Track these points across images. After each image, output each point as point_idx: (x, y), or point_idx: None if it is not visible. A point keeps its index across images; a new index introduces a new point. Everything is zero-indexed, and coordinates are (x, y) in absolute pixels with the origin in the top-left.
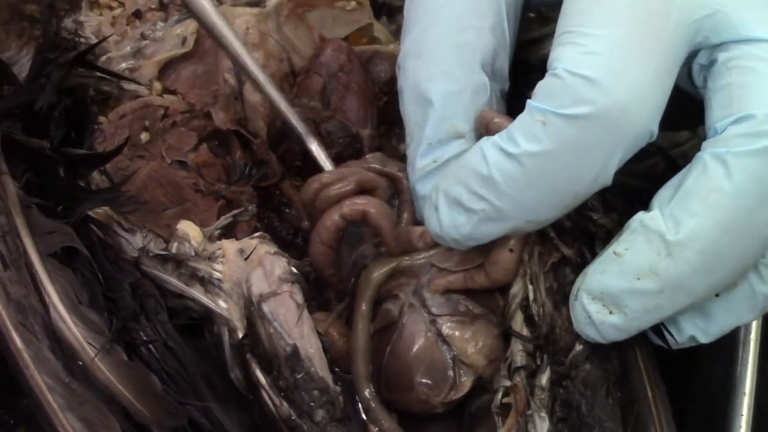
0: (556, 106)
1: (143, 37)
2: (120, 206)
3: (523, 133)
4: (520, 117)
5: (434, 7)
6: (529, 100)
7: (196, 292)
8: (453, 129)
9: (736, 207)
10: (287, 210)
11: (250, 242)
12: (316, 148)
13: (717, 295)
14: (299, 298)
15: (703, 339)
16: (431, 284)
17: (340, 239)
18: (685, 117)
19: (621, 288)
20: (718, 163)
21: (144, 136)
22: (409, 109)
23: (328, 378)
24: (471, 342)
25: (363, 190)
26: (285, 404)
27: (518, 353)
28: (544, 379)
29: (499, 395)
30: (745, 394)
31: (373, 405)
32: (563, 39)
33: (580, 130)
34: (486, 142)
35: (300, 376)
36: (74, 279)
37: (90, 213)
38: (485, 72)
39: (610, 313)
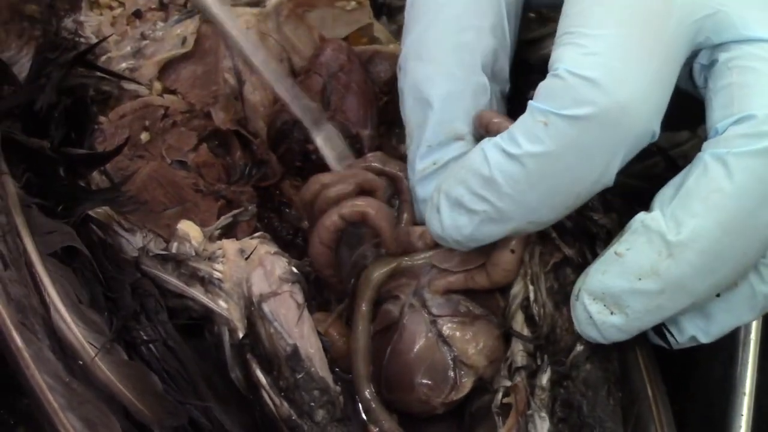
0: (557, 106)
1: (143, 37)
2: (120, 206)
3: (525, 134)
4: (522, 118)
5: (434, 7)
6: (530, 101)
7: (197, 292)
8: (453, 131)
9: (737, 207)
10: (287, 210)
11: (251, 242)
12: (321, 143)
13: (718, 295)
14: (299, 298)
15: (704, 339)
16: (432, 285)
17: (340, 240)
18: (685, 117)
19: (622, 288)
20: (719, 163)
21: (144, 136)
22: (409, 110)
23: (329, 378)
24: (472, 343)
25: (363, 191)
26: (285, 404)
27: (519, 353)
28: (544, 379)
29: (500, 395)
30: (745, 394)
31: (373, 405)
32: (564, 39)
33: (581, 130)
34: (487, 143)
35: (300, 376)
36: (74, 279)
37: (90, 213)
38: (486, 73)
39: (612, 313)
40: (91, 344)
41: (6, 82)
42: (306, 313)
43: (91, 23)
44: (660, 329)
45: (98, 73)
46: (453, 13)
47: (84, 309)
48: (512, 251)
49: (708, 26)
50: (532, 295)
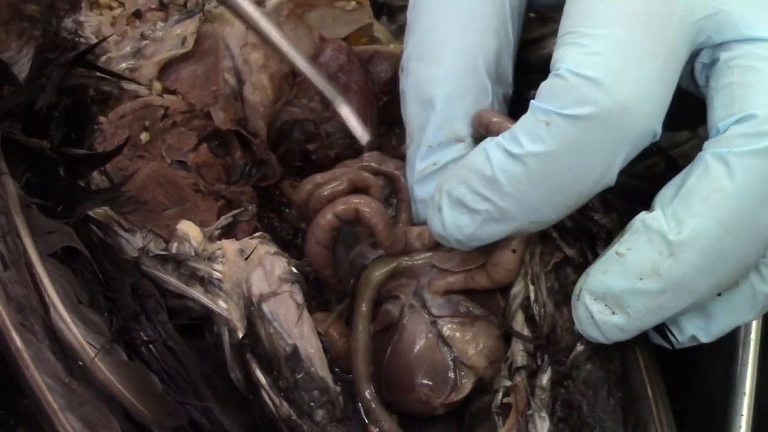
0: (559, 106)
1: (143, 37)
2: (120, 206)
3: (527, 134)
4: (524, 117)
5: (438, 8)
6: (532, 101)
7: (196, 292)
8: (454, 133)
9: (738, 207)
10: (287, 210)
11: (250, 242)
12: (346, 113)
13: (719, 294)
14: (299, 298)
15: (704, 339)
16: (432, 285)
17: (336, 239)
18: (686, 117)
19: (623, 288)
20: (720, 163)
21: (144, 136)
22: (410, 111)
23: (328, 378)
24: (472, 343)
25: (356, 189)
26: (285, 404)
27: (519, 353)
28: (544, 379)
29: (500, 395)
30: (745, 394)
31: (373, 406)
32: (566, 39)
33: (583, 130)
34: (489, 142)
35: (300, 376)
36: (74, 279)
37: (90, 213)
38: (488, 75)
39: (613, 313)
40: (91, 345)
41: (6, 82)
42: (306, 313)
43: (91, 23)
44: (661, 329)
45: (98, 73)
46: (457, 15)
47: (84, 309)
48: (513, 251)
49: (709, 26)
50: (532, 295)
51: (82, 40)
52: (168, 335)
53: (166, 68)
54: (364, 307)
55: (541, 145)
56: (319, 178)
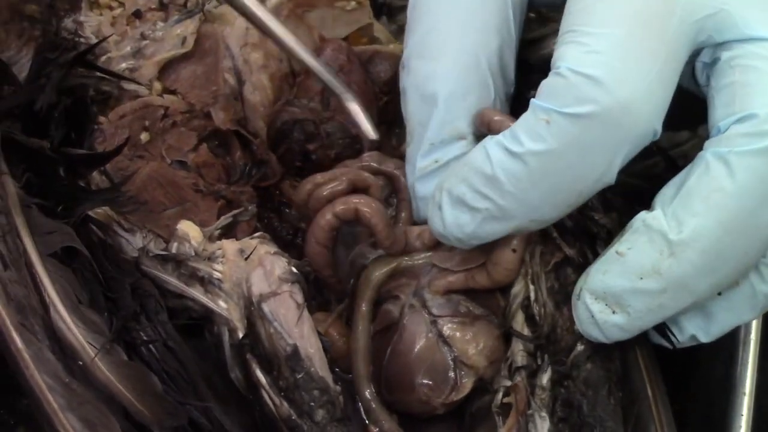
0: (559, 105)
1: (143, 37)
2: (120, 206)
3: (527, 132)
4: (524, 116)
5: (439, 6)
6: (532, 99)
7: (196, 292)
8: (456, 130)
9: (738, 207)
10: (287, 210)
11: (250, 242)
12: (355, 109)
13: (719, 294)
14: (299, 298)
15: (704, 338)
16: (432, 285)
17: (335, 239)
18: (686, 117)
19: (624, 288)
20: (721, 162)
21: (144, 136)
22: (411, 108)
23: (329, 378)
24: (472, 343)
25: (356, 188)
26: (285, 404)
27: (519, 353)
28: (545, 378)
29: (500, 395)
30: (745, 394)
31: (373, 405)
32: (567, 38)
33: (583, 129)
34: (490, 141)
35: (300, 376)
36: (74, 279)
37: (90, 213)
38: (491, 72)
39: (613, 312)
40: (91, 345)
41: (6, 82)
42: (306, 313)
43: (91, 23)
44: (661, 328)
45: (98, 73)
46: (458, 12)
47: (84, 309)
48: (514, 250)
49: (710, 25)
50: (532, 295)
51: (82, 40)
52: (168, 335)
53: (166, 68)
54: (364, 307)
55: (542, 144)
56: (319, 178)
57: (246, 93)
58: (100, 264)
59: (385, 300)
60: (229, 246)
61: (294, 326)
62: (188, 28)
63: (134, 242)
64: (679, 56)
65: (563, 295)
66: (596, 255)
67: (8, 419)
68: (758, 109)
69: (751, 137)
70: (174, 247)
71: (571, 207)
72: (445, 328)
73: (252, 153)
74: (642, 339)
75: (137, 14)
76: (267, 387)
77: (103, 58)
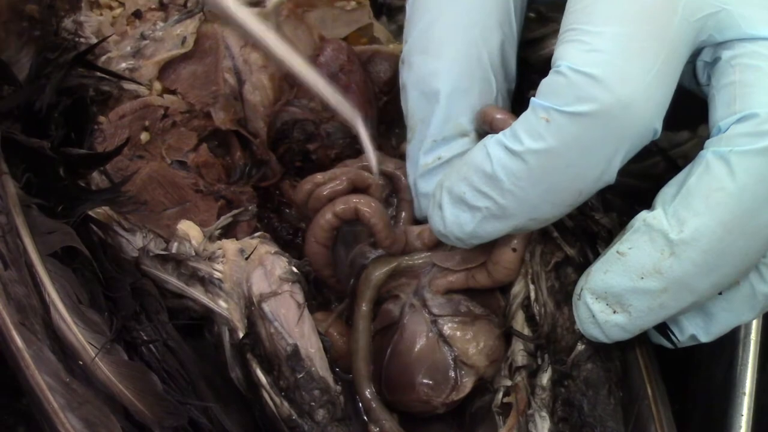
0: (559, 103)
1: (143, 37)
2: (120, 206)
3: (527, 131)
4: (524, 115)
5: (439, 2)
6: (533, 98)
7: (197, 292)
8: (458, 127)
9: (739, 206)
10: (287, 210)
11: (251, 242)
12: (364, 137)
13: (720, 293)
14: (300, 297)
15: (704, 338)
16: (432, 284)
17: (335, 238)
18: (686, 116)
19: (625, 287)
20: (721, 162)
21: (144, 136)
22: (412, 105)
23: (329, 378)
24: (472, 343)
25: (356, 188)
26: (285, 404)
27: (519, 353)
28: (545, 378)
29: (500, 395)
30: (745, 394)
31: (374, 405)
32: (567, 36)
33: (583, 127)
34: (490, 139)
35: (300, 375)
36: (74, 279)
37: (90, 213)
38: (493, 68)
39: (614, 312)
40: (91, 344)
41: (6, 82)
42: (306, 312)
43: (91, 23)
44: (661, 328)
45: (98, 73)
46: (459, 8)
47: (84, 309)
48: (514, 250)
49: (711, 24)
50: (533, 295)
51: (82, 40)
52: (168, 335)
53: (166, 68)
54: (364, 307)
55: (541, 143)
56: (318, 177)
57: (246, 93)
58: (100, 264)
59: (386, 300)
60: (230, 246)
61: (294, 326)
62: (188, 28)
63: (134, 242)
64: (680, 55)
65: (564, 295)
66: (597, 254)
67: (8, 419)
68: (759, 109)
69: (751, 137)
70: (174, 247)
71: (571, 206)
72: (445, 327)
73: (252, 153)
74: (642, 339)
75: (137, 14)
76: (267, 387)
77: (103, 58)
